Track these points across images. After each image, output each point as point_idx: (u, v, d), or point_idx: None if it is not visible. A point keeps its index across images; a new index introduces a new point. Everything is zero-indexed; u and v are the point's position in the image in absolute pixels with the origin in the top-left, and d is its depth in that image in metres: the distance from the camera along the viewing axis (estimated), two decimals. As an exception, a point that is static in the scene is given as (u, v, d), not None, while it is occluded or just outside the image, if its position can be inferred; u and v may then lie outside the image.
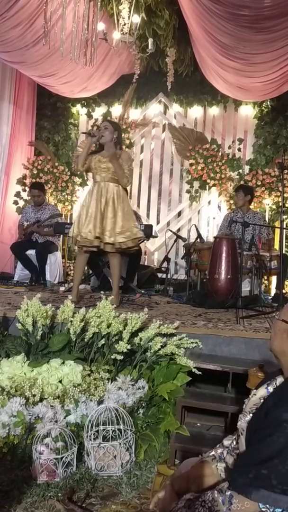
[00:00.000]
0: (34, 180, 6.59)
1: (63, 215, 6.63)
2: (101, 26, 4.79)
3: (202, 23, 4.84)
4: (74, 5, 4.46)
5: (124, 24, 4.88)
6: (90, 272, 5.35)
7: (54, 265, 5.70)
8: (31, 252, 5.47)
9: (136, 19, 4.92)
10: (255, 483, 1.08)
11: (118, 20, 4.94)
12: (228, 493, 1.11)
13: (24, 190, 6.76)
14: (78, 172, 3.89)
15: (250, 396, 1.37)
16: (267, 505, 1.07)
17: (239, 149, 6.69)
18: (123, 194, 3.82)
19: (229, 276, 4.17)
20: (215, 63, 5.41)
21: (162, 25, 5.53)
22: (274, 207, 6.27)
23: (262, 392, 1.32)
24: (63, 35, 4.50)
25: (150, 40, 5.12)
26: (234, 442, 1.38)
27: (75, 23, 4.49)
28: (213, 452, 1.42)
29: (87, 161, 3.82)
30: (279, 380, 1.31)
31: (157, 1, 5.22)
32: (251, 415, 1.28)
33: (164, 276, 5.51)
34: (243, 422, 1.30)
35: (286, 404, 1.14)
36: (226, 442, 1.42)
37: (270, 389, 1.30)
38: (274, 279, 5.49)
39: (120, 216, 3.70)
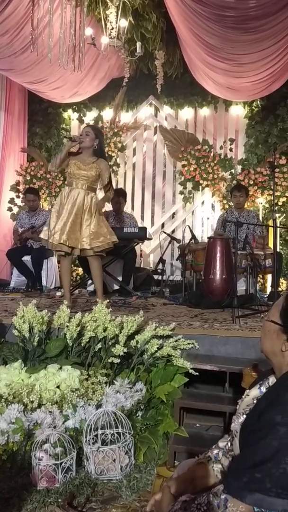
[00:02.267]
0: (27, 186, 6.59)
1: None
2: (88, 31, 4.80)
3: (189, 25, 4.86)
4: (61, 12, 4.47)
5: (112, 29, 4.89)
6: (86, 276, 5.36)
7: (50, 270, 5.72)
8: (27, 258, 5.49)
9: (124, 23, 4.93)
10: (249, 486, 1.08)
11: (105, 25, 4.95)
12: (223, 496, 1.11)
13: (18, 197, 6.78)
14: (54, 171, 4.08)
15: (243, 396, 1.37)
16: (262, 509, 1.07)
17: (230, 149, 6.71)
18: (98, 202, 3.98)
19: (224, 276, 4.19)
20: (204, 65, 5.43)
21: (150, 28, 5.53)
22: (267, 205, 6.30)
23: (255, 393, 1.32)
24: (51, 42, 4.51)
25: (139, 44, 5.14)
26: (229, 444, 1.38)
27: (62, 29, 4.51)
28: (208, 454, 1.42)
29: (63, 163, 3.93)
30: (271, 379, 1.31)
31: (144, 4, 5.22)
32: (244, 416, 1.29)
33: (160, 277, 5.52)
34: (236, 424, 1.30)
35: (278, 406, 1.14)
36: (221, 443, 1.42)
37: (263, 389, 1.31)
38: (269, 277, 5.52)
39: (95, 223, 3.83)
